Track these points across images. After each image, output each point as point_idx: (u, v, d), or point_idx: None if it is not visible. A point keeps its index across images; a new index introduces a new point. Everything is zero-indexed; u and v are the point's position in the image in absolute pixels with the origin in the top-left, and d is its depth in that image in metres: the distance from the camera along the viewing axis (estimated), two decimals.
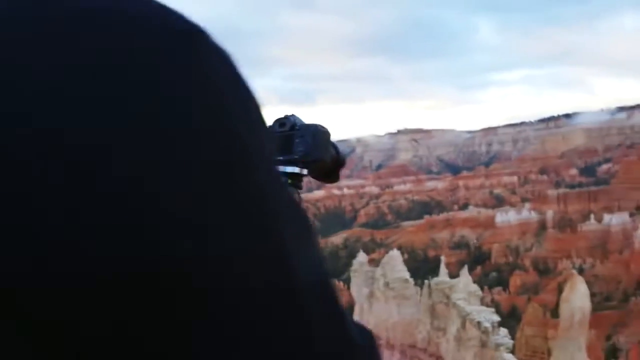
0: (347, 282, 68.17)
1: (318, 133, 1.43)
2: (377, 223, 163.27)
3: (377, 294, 49.63)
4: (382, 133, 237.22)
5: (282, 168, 1.37)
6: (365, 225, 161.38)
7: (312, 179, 1.56)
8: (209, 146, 0.42)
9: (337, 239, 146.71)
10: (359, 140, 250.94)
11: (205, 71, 0.45)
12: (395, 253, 50.51)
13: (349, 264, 61.34)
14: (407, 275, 45.03)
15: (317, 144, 1.42)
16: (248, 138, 0.46)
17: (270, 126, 1.38)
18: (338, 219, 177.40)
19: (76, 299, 0.37)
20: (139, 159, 0.38)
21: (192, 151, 0.41)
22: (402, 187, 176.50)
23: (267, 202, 0.46)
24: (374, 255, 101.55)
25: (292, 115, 1.44)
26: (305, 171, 1.41)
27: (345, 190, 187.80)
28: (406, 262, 54.03)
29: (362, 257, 56.34)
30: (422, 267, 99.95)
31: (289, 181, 1.38)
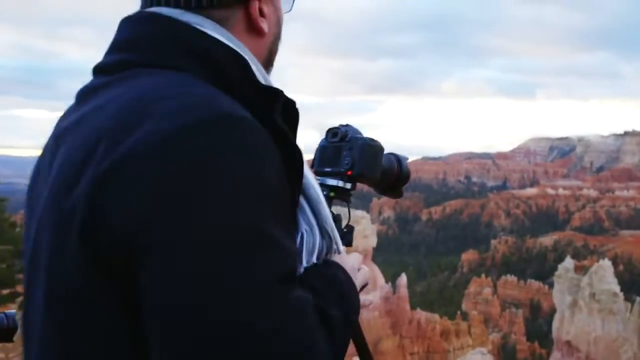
0: (551, 286, 65.10)
1: (366, 147, 1.37)
2: (592, 228, 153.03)
3: (581, 304, 46.71)
4: (606, 133, 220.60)
5: (325, 180, 1.36)
6: (579, 229, 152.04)
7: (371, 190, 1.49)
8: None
9: (547, 240, 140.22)
10: (580, 139, 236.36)
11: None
12: (606, 263, 47.10)
13: (555, 268, 58.45)
14: (617, 288, 41.86)
15: (364, 158, 1.37)
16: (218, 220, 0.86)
17: (326, 134, 1.43)
18: (550, 219, 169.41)
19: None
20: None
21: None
22: (624, 193, 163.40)
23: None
24: (585, 262, 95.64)
25: (347, 126, 1.41)
26: (348, 185, 1.38)
27: (561, 191, 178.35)
28: (619, 275, 50.28)
29: (568, 262, 53.35)
30: (637, 282, 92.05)
31: (332, 194, 1.36)
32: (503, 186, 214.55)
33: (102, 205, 0.87)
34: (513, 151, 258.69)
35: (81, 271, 0.90)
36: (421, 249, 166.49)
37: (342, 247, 1.18)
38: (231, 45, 1.05)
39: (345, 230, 1.34)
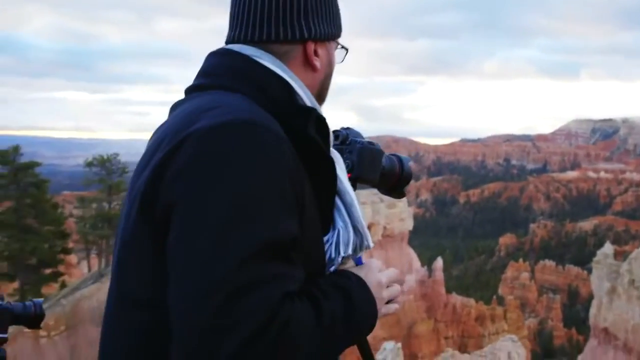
0: (590, 272, 64.13)
1: (364, 151, 1.46)
2: (635, 213, 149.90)
3: (620, 291, 46.08)
4: None
5: None
6: (620, 213, 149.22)
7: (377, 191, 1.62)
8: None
9: (587, 225, 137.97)
10: (624, 121, 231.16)
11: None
12: None
13: (594, 254, 57.52)
14: None
15: (363, 161, 1.45)
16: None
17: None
18: (590, 203, 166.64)
19: None
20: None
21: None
22: None
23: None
24: (626, 248, 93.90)
25: (347, 129, 1.52)
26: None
27: (602, 174, 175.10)
28: None
29: (607, 248, 52.47)
30: None
31: None
32: (543, 169, 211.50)
33: (159, 178, 1.18)
34: (554, 133, 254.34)
35: (138, 230, 1.23)
36: (458, 232, 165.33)
37: (371, 244, 1.38)
38: (278, 71, 1.34)
39: None
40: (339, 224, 1.34)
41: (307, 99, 1.35)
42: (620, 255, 61.50)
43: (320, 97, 1.45)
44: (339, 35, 1.46)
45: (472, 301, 66.48)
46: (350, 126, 1.54)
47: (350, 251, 1.33)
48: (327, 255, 1.33)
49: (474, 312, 63.01)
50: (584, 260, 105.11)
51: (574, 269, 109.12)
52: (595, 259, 51.78)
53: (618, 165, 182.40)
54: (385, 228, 56.49)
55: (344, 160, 1.45)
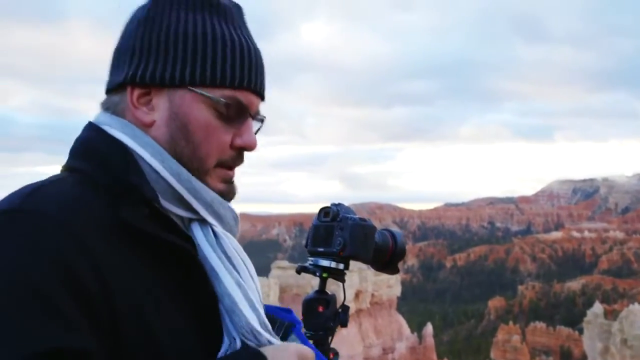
0: (581, 332, 63.66)
1: (357, 228, 1.38)
2: (621, 271, 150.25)
3: (613, 351, 45.61)
4: (629, 174, 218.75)
5: (317, 261, 1.38)
6: (607, 272, 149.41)
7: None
8: None
9: (575, 284, 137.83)
10: (604, 180, 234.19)
11: None
12: (636, 307, 46.05)
13: (584, 313, 57.28)
14: None
15: (355, 238, 1.37)
16: None
17: (318, 213, 1.44)
18: (576, 263, 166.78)
19: None
20: None
21: None
22: None
23: None
24: (615, 307, 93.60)
25: (338, 205, 1.42)
26: (341, 266, 1.38)
27: (586, 234, 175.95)
28: None
29: (597, 308, 52.24)
30: None
31: (325, 275, 1.39)
32: (527, 230, 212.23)
33: None
34: (536, 195, 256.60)
35: None
36: (446, 296, 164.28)
37: (280, 344, 1.12)
38: (123, 138, 1.08)
39: (340, 310, 1.39)
40: (225, 338, 1.07)
41: (166, 169, 1.08)
42: (610, 314, 61.20)
43: (195, 159, 1.11)
44: (205, 83, 1.09)
45: None
46: (337, 197, 1.43)
47: None
48: None
49: None
50: (575, 320, 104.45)
51: (565, 330, 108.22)
52: (586, 319, 51.44)
53: (601, 224, 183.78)
54: (373, 295, 55.92)
55: (335, 237, 1.36)
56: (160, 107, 1.10)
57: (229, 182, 1.15)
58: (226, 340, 1.05)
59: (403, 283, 79.80)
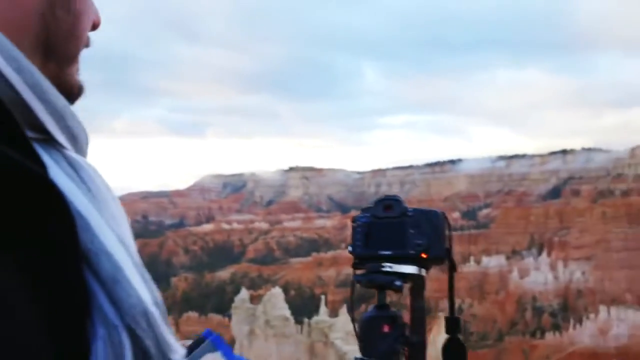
0: (231, 318, 67.21)
1: (439, 222, 1.12)
2: (266, 259, 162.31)
3: (257, 332, 49.02)
4: (273, 169, 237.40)
5: (395, 267, 1.11)
6: (253, 260, 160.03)
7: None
8: None
9: (225, 273, 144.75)
10: (251, 175, 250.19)
11: None
12: (277, 291, 50.16)
13: (233, 301, 60.52)
14: (287, 313, 44.70)
15: (439, 236, 1.12)
16: None
17: (372, 207, 1.16)
18: (226, 253, 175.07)
19: None
20: None
21: None
22: (291, 224, 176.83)
23: None
24: (260, 292, 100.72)
25: (399, 197, 1.16)
26: (424, 271, 1.15)
27: (235, 225, 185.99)
28: (292, 299, 53.84)
29: (244, 293, 55.60)
30: (307, 305, 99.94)
31: (398, 284, 1.12)
32: (180, 224, 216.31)
33: None
34: (189, 189, 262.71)
35: None
36: None
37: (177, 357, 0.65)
38: None
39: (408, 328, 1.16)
40: (99, 329, 0.59)
41: (10, 65, 0.62)
42: (256, 299, 65.62)
43: (73, 38, 0.77)
44: None
45: None
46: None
47: None
48: None
49: None
50: (224, 307, 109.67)
51: (216, 317, 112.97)
52: (234, 305, 54.32)
53: (248, 216, 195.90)
54: None
55: (411, 237, 1.10)
56: None
57: None
58: (100, 331, 0.59)
59: None
